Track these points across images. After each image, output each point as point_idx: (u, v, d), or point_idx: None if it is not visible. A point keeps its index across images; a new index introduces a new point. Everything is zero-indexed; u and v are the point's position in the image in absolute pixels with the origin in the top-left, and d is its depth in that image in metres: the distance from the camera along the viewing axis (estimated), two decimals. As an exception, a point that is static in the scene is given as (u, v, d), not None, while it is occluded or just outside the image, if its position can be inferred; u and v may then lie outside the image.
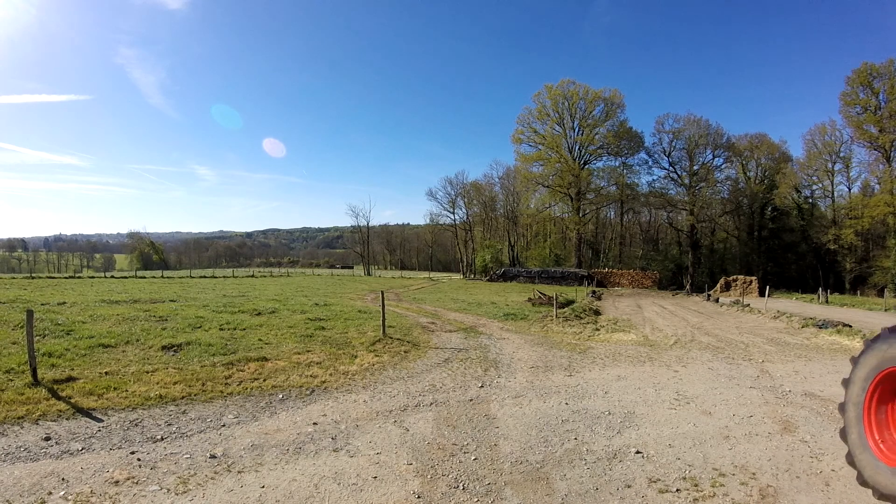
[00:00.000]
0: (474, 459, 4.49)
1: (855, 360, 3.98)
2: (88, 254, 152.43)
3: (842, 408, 4.11)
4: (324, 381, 7.24)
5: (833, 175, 54.09)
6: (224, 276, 51.39)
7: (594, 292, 34.19)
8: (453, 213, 76.36)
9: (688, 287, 47.69)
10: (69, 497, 3.62)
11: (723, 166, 61.07)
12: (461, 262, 77.83)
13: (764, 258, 59.62)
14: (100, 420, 5.28)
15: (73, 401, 5.74)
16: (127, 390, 6.22)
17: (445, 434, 5.17)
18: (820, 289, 39.59)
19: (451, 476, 4.14)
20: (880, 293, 41.90)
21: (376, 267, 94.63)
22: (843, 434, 4.02)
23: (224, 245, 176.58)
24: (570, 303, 22.59)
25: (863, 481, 3.79)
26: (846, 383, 4.04)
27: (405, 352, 9.69)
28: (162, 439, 4.84)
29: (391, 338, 10.85)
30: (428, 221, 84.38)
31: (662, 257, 62.67)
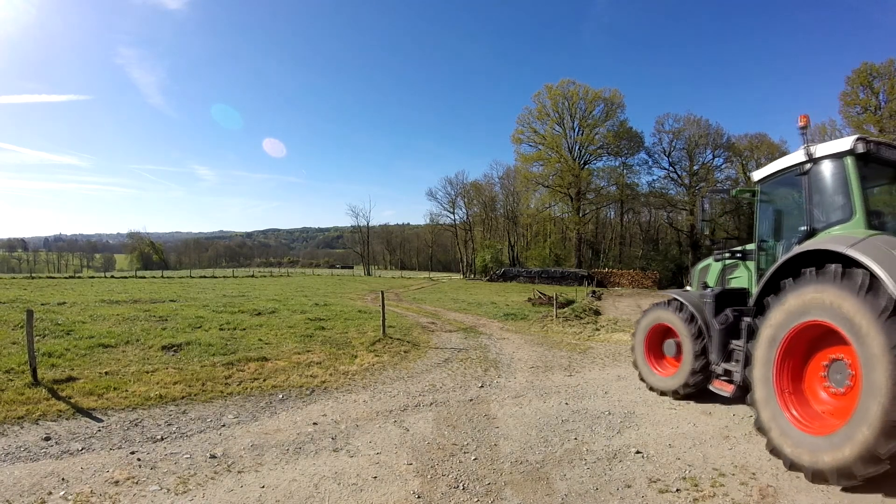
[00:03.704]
0: (474, 459, 4.49)
1: (637, 322, 7.62)
2: (88, 254, 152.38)
3: (633, 336, 7.70)
4: (324, 381, 7.24)
5: (833, 175, 54.01)
6: (224, 277, 51.41)
7: (594, 292, 34.15)
8: (453, 213, 76.31)
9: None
10: (69, 497, 3.62)
11: (723, 166, 60.93)
12: (461, 262, 77.74)
13: (764, 258, 59.45)
14: (100, 420, 5.28)
15: (73, 401, 5.74)
16: (127, 390, 6.22)
17: (445, 434, 5.17)
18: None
19: (451, 476, 4.13)
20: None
21: (376, 267, 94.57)
22: (633, 351, 7.55)
23: (224, 245, 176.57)
24: (570, 303, 22.55)
25: (640, 378, 7.29)
26: (633, 333, 7.67)
27: (405, 352, 9.69)
28: (162, 439, 4.84)
29: (391, 338, 10.84)
30: (428, 221, 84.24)
31: (662, 257, 62.55)
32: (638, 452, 4.67)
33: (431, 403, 6.30)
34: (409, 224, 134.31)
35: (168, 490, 3.78)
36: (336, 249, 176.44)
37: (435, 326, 13.70)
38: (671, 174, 61.54)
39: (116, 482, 3.88)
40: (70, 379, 6.50)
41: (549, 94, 59.69)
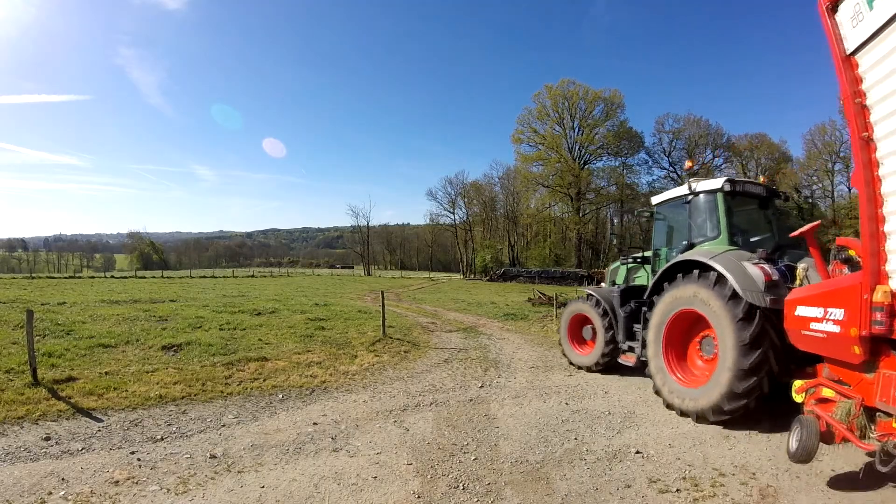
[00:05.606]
0: (474, 459, 4.49)
1: (561, 314, 9.73)
2: (88, 254, 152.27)
3: (559, 330, 9.31)
4: (324, 381, 7.24)
5: (833, 175, 53.92)
6: (224, 277, 51.43)
7: (594, 292, 34.09)
8: (453, 213, 76.31)
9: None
10: (69, 497, 3.62)
11: (723, 166, 60.92)
12: (461, 262, 77.72)
13: (764, 258, 59.40)
14: (100, 420, 5.28)
15: (73, 401, 5.74)
16: (127, 390, 6.22)
17: (445, 434, 5.17)
18: (820, 289, 39.50)
19: (451, 476, 4.13)
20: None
21: (376, 267, 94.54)
22: (561, 341, 9.12)
23: (224, 245, 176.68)
24: (570, 303, 22.51)
25: (564, 355, 9.01)
26: (560, 322, 9.37)
27: (405, 352, 9.69)
28: (162, 439, 4.84)
29: (391, 338, 10.84)
30: (428, 221, 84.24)
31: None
32: (638, 452, 4.67)
33: (431, 403, 6.30)
34: (409, 224, 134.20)
35: (168, 490, 3.78)
36: (336, 249, 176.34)
37: (435, 326, 13.71)
38: (671, 174, 61.50)
39: (116, 482, 3.88)
40: (70, 379, 6.51)
41: (549, 94, 59.75)
